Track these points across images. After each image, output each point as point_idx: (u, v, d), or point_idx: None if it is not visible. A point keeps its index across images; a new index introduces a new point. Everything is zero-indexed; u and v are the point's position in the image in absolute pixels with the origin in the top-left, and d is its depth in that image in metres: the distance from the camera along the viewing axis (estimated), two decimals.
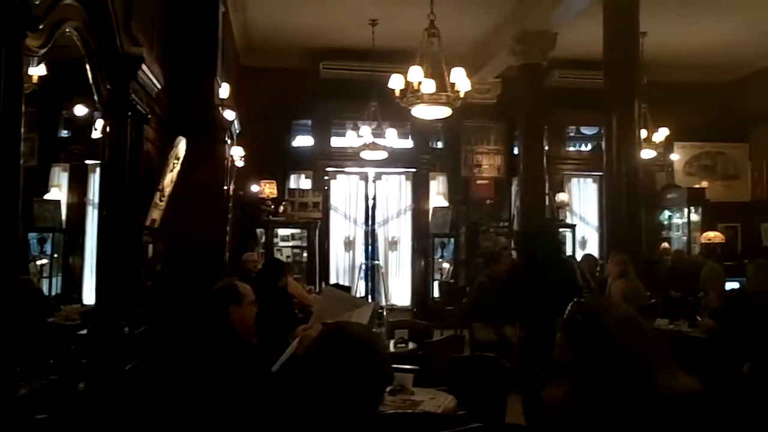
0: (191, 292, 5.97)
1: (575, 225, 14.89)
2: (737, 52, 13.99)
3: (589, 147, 15.64)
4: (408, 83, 8.32)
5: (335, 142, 14.57)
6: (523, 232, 6.54)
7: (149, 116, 5.63)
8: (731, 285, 7.45)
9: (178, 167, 6.52)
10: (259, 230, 13.24)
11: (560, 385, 2.13)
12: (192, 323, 4.72)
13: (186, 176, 6.67)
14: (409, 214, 14.92)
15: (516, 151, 13.37)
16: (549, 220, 11.19)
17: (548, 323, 5.17)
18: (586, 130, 15.61)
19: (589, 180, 15.39)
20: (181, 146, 6.52)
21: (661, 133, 13.03)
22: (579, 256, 11.49)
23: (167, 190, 6.35)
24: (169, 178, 6.37)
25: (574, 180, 15.49)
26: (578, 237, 14.92)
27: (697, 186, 15.00)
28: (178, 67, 7.13)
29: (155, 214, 6.15)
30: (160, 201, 6.19)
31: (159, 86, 5.85)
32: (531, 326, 5.73)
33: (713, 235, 13.89)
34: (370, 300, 13.37)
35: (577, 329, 2.14)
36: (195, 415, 3.54)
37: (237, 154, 10.00)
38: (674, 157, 15.17)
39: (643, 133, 11.77)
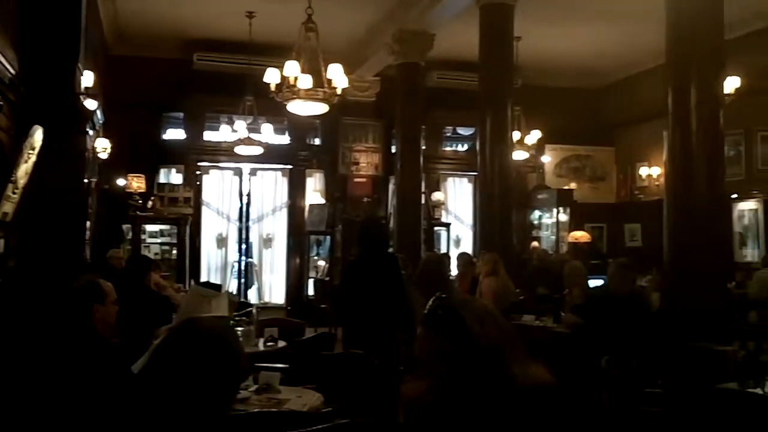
0: (47, 290, 5.65)
1: (450, 224, 15.13)
2: (605, 61, 14.58)
3: (465, 147, 15.94)
4: (284, 78, 8.20)
5: (208, 136, 14.19)
6: (358, 228, 6.64)
7: (1, 104, 5.28)
8: (595, 282, 7.71)
9: (33, 158, 6.15)
10: (126, 226, 12.77)
11: (420, 380, 2.13)
12: (47, 322, 4.46)
13: (43, 167, 6.29)
14: (284, 211, 14.74)
15: (394, 149, 13.44)
16: (377, 218, 11.22)
17: (369, 317, 5.56)
18: (463, 131, 15.90)
19: (465, 179, 15.66)
20: (37, 136, 6.15)
21: (534, 136, 13.41)
22: (454, 255, 11.66)
23: (21, 182, 5.98)
24: (24, 169, 5.99)
25: (450, 179, 15.73)
26: (453, 235, 15.17)
27: (566, 187, 15.55)
28: (36, 53, 6.71)
29: (7, 207, 5.78)
30: (13, 193, 5.82)
31: (13, 72, 5.49)
32: (353, 320, 5.90)
33: (580, 235, 14.43)
34: (246, 298, 13.18)
35: (438, 324, 2.16)
36: (46, 417, 3.33)
37: (101, 145, 9.57)
38: (545, 159, 15.70)
39: (516, 135, 12.10)
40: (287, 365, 5.03)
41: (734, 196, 12.44)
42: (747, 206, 12.55)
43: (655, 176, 14.41)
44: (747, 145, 12.65)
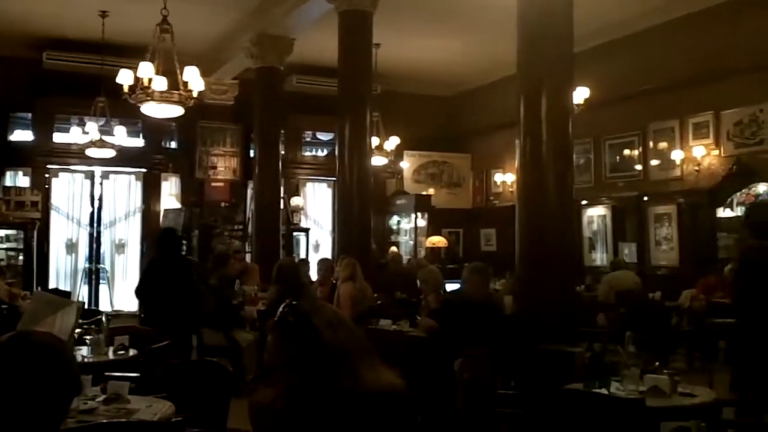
0: None
1: (309, 229, 15.05)
2: (462, 70, 14.95)
3: (325, 152, 15.91)
4: (138, 79, 7.93)
5: (59, 138, 13.50)
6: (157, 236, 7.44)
7: None
8: (452, 286, 7.82)
9: None
10: None
11: (270, 387, 2.11)
12: None
13: None
14: (138, 215, 14.25)
15: (252, 153, 13.23)
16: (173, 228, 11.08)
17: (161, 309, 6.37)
18: (323, 136, 15.85)
19: (324, 185, 15.63)
20: None
21: (393, 142, 13.55)
22: (314, 260, 11.59)
23: None
24: None
25: (310, 184, 15.67)
26: (312, 241, 15.09)
27: (424, 193, 15.82)
28: None
29: None
30: None
31: None
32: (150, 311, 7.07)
33: (437, 240, 14.70)
34: (97, 306, 12.62)
35: (288, 330, 2.15)
36: None
37: None
38: (404, 164, 15.90)
39: (375, 141, 12.17)
40: (138, 374, 4.83)
41: (584, 202, 13.05)
42: (596, 212, 13.17)
43: (509, 183, 14.88)
44: (596, 153, 13.30)
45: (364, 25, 9.81)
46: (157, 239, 7.61)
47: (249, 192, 13.98)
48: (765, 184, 10.48)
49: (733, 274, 5.98)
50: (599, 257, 13.03)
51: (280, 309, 2.23)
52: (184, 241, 13.50)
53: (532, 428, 3.92)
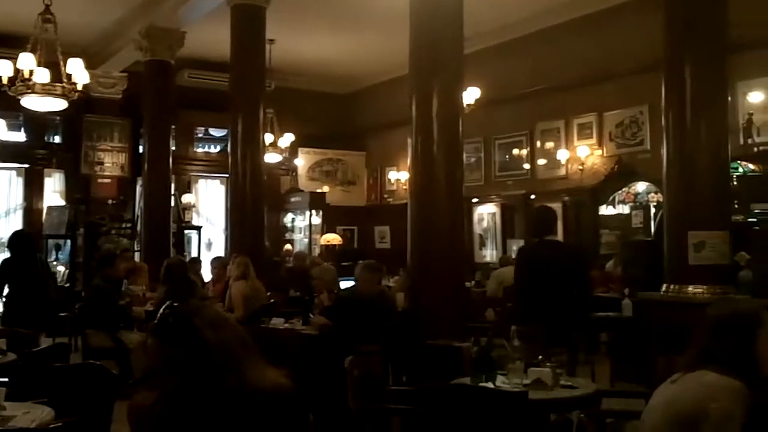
0: None
1: (201, 227, 14.76)
2: (357, 67, 15.01)
3: (218, 149, 15.62)
4: (18, 71, 7.61)
5: None
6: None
7: None
8: (347, 284, 7.84)
9: None
10: None
11: (150, 390, 2.06)
12: None
13: None
14: (19, 213, 13.65)
15: (141, 149, 12.87)
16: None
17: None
18: (215, 132, 15.56)
19: (217, 181, 15.37)
20: None
21: (287, 139, 13.46)
22: (206, 259, 11.39)
23: None
24: None
25: (202, 181, 15.38)
26: (204, 239, 14.82)
27: (319, 190, 15.80)
28: None
29: None
30: None
31: None
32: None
33: (332, 237, 14.71)
34: None
35: (169, 332, 2.10)
36: None
37: None
38: (299, 162, 15.82)
39: (269, 138, 12.07)
40: (13, 379, 4.61)
41: (475, 200, 13.33)
42: (486, 210, 13.47)
43: (403, 181, 15.01)
44: (486, 153, 13.59)
45: (257, 20, 9.72)
46: (8, 241, 7.85)
47: (138, 189, 13.60)
48: (644, 182, 10.98)
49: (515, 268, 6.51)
50: (489, 254, 13.34)
51: (160, 311, 2.19)
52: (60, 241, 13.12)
53: (423, 423, 3.96)
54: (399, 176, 15.27)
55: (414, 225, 6.84)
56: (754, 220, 6.38)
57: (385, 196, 16.13)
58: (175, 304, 2.20)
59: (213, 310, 2.19)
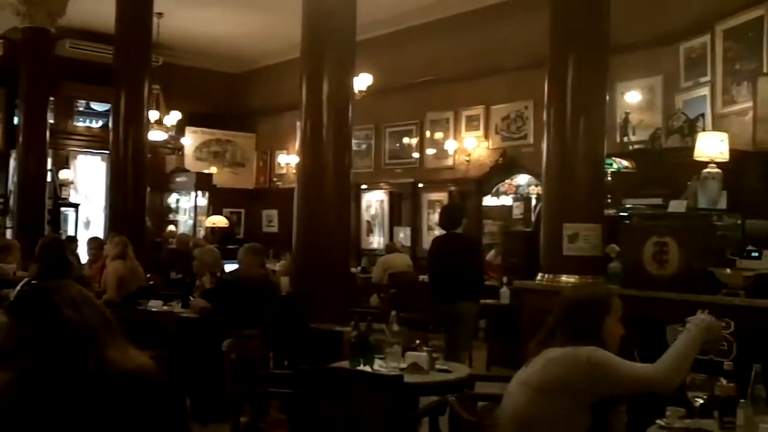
0: None
1: (79, 204, 14.19)
2: (249, 47, 14.77)
3: (100, 124, 15.01)
4: None
5: None
6: None
7: None
8: (231, 267, 7.74)
9: None
10: None
11: (5, 371, 1.96)
12: None
13: None
14: None
15: (17, 121, 12.24)
16: None
17: None
18: (97, 106, 14.91)
19: (98, 158, 14.79)
20: None
21: (173, 117, 13.14)
22: (83, 237, 11.00)
23: None
24: None
25: (82, 157, 14.79)
26: (83, 217, 14.28)
27: (206, 171, 15.50)
28: None
29: None
30: None
31: None
32: None
33: (218, 220, 14.48)
34: None
35: (26, 311, 2.00)
36: None
37: None
38: (185, 141, 15.47)
39: (155, 115, 11.75)
40: None
41: (364, 186, 13.40)
42: (375, 197, 13.57)
43: (293, 164, 14.90)
44: (377, 140, 13.67)
45: None
46: None
47: (12, 162, 12.95)
48: (526, 175, 11.32)
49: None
50: (377, 240, 13.45)
51: (18, 289, 2.10)
52: None
53: (303, 406, 3.96)
54: (289, 160, 15.14)
55: (300, 209, 6.82)
56: (626, 214, 6.68)
57: (275, 179, 15.99)
58: (34, 282, 2.11)
59: (75, 288, 2.10)
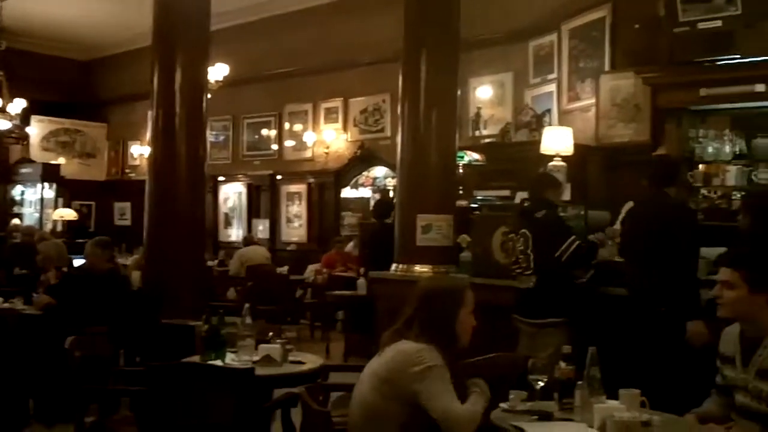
0: None
1: None
2: (100, 34, 14.20)
3: None
4: None
5: None
6: None
7: None
8: (80, 261, 7.44)
9: None
10: None
11: None
12: None
13: None
14: None
15: None
16: None
17: None
18: None
19: None
20: None
21: (18, 104, 12.45)
22: None
23: None
24: None
25: None
26: None
27: (53, 162, 14.79)
28: None
29: None
30: None
31: None
32: None
33: (66, 213, 13.86)
34: None
35: None
36: None
37: None
38: (31, 130, 14.69)
39: None
40: None
41: (221, 178, 13.19)
42: (233, 189, 13.39)
43: (146, 155, 14.46)
44: (235, 131, 13.48)
45: None
46: None
47: None
48: (383, 167, 11.48)
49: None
50: (235, 233, 13.28)
51: None
52: None
53: (153, 403, 3.87)
54: (142, 151, 14.65)
55: (152, 201, 6.65)
56: (476, 206, 6.91)
57: (128, 170, 15.49)
58: None
59: None
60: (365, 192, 12.34)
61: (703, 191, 6.56)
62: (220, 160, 13.33)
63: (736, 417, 2.81)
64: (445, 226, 6.20)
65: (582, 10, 8.19)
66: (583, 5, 8.18)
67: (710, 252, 4.39)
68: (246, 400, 3.53)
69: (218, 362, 3.94)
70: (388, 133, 10.99)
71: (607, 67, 7.78)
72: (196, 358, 4.14)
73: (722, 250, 3.38)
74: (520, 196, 6.17)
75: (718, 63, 6.23)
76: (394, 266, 6.35)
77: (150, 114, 6.80)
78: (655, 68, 6.76)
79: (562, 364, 2.95)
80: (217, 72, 10.36)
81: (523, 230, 4.93)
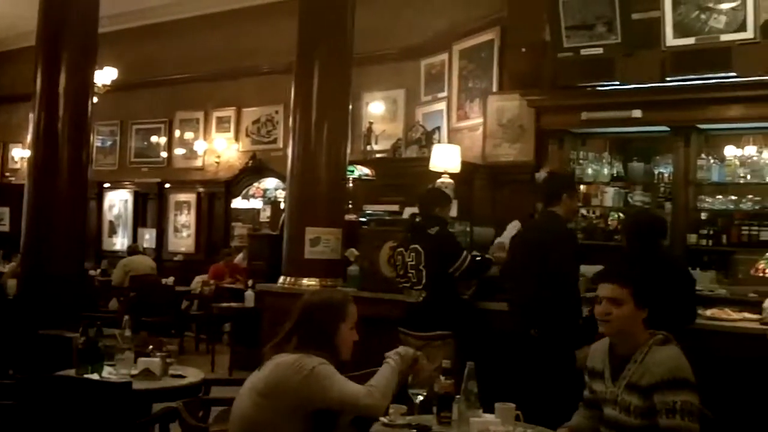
0: None
1: None
2: None
3: None
4: None
5: None
6: None
7: None
8: None
9: None
10: None
11: None
12: None
13: None
14: None
15: None
16: None
17: None
18: None
19: None
20: None
21: None
22: None
23: None
24: None
25: None
26: None
27: None
28: None
29: None
30: None
31: None
32: None
33: None
34: None
35: None
36: None
37: None
38: None
39: None
40: None
41: (107, 185, 12.81)
42: (119, 196, 13.02)
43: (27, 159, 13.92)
44: (122, 137, 13.13)
45: None
46: None
47: None
48: (274, 179, 11.42)
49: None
50: (120, 242, 12.92)
51: None
52: None
53: (24, 418, 3.72)
54: (24, 154, 14.08)
55: (30, 207, 6.44)
56: (365, 220, 6.96)
57: (7, 174, 14.83)
58: None
59: None
60: (256, 203, 12.24)
61: (583, 211, 6.83)
62: (105, 166, 12.96)
63: (604, 429, 2.92)
64: (334, 239, 6.22)
65: (472, 31, 8.40)
66: (474, 27, 8.39)
67: (589, 269, 4.55)
68: (122, 415, 3.44)
69: (95, 376, 3.83)
70: (281, 144, 10.94)
71: (494, 88, 7.98)
72: (71, 372, 4.01)
73: (600, 267, 3.50)
74: (409, 211, 6.25)
75: (599, 88, 6.52)
76: (281, 279, 6.32)
77: (31, 116, 6.58)
78: (539, 91, 7.01)
79: (442, 378, 3.00)
80: (105, 75, 10.10)
81: (415, 245, 4.98)
